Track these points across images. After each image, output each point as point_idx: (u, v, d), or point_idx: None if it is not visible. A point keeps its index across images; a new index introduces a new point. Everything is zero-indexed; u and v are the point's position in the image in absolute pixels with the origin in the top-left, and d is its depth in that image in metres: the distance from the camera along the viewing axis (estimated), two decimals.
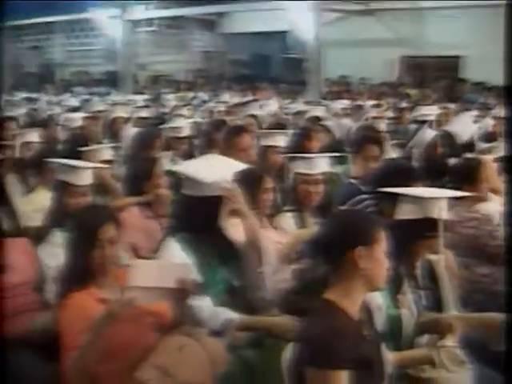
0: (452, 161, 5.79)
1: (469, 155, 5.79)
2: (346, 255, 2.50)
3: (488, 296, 4.29)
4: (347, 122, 9.27)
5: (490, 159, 5.11)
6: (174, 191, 4.36)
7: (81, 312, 2.92)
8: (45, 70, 28.92)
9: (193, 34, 26.40)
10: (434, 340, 3.10)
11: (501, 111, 9.32)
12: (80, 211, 3.31)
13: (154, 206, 4.62)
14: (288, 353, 2.69)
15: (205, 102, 14.02)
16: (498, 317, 3.07)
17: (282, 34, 22.18)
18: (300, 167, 4.41)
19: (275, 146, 5.62)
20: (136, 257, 4.11)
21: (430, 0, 18.31)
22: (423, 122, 8.11)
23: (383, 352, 2.64)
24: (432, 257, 3.29)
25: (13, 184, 5.53)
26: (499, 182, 4.93)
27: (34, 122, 9.09)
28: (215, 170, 3.42)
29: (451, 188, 3.90)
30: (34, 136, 6.36)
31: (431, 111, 9.22)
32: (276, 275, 3.63)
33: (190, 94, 17.54)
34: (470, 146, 6.79)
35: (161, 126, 7.34)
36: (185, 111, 10.55)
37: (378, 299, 2.95)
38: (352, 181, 5.21)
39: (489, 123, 8.63)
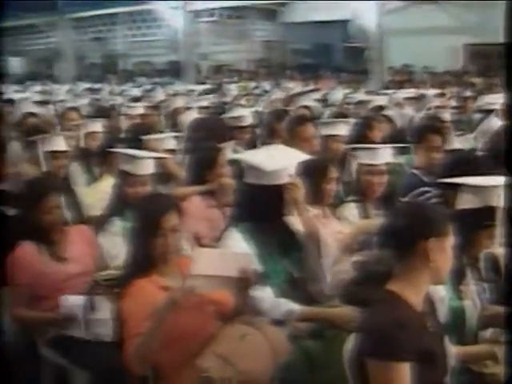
0: None
1: None
2: (416, 247, 2.47)
3: None
4: (410, 111, 9.14)
5: None
6: (236, 180, 4.37)
7: (143, 299, 2.95)
8: (108, 60, 29.35)
9: (254, 23, 26.43)
10: (497, 334, 3.04)
11: None
12: (143, 200, 3.34)
13: (216, 195, 4.64)
14: (349, 343, 2.68)
15: (266, 91, 14.01)
16: None
17: (343, 23, 22.04)
18: (364, 158, 4.37)
19: (337, 136, 5.58)
20: (198, 246, 4.15)
21: None
22: (488, 112, 7.93)
23: (446, 345, 2.61)
24: (495, 249, 3.24)
25: (77, 173, 5.64)
26: None
27: (97, 112, 9.25)
28: (278, 159, 3.42)
29: None
30: (98, 126, 6.44)
31: (496, 100, 9.01)
32: (337, 265, 3.62)
33: (252, 84, 17.55)
34: None
35: (223, 116, 7.37)
36: (246, 101, 10.55)
37: (441, 291, 2.91)
38: (414, 171, 5.15)
39: None
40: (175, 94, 12.14)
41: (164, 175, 5.10)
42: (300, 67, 23.40)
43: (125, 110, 9.08)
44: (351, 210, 4.30)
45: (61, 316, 3.62)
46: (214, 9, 24.25)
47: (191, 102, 9.79)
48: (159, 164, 4.63)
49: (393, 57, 19.55)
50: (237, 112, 7.43)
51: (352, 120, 6.60)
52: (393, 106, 9.32)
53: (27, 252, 3.72)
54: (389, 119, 7.44)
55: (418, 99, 10.68)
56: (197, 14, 23.19)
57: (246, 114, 7.12)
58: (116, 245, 3.95)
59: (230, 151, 5.13)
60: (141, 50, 28.00)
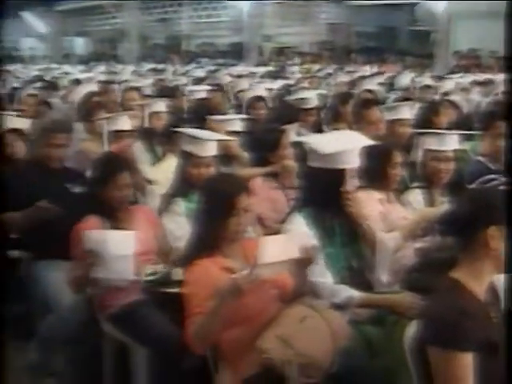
0: None
1: None
2: (478, 235, 2.43)
3: None
4: (476, 97, 8.97)
5: None
6: (299, 163, 4.37)
7: (205, 279, 2.98)
8: (172, 41, 29.56)
9: (319, 5, 26.22)
10: None
11: None
12: (216, 180, 3.35)
13: (279, 177, 4.65)
14: (410, 330, 2.66)
15: (330, 74, 13.92)
16: None
17: (410, 6, 21.71)
18: (431, 144, 4.30)
19: (402, 120, 5.52)
20: (261, 227, 4.17)
21: None
22: None
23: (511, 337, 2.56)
24: None
25: (140, 153, 5.69)
26: None
27: (161, 93, 9.33)
28: (342, 143, 3.40)
29: None
30: (162, 106, 6.48)
31: None
32: (399, 252, 3.59)
33: (315, 67, 17.46)
34: None
35: (287, 98, 7.36)
36: (310, 83, 10.51)
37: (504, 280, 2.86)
38: (480, 159, 5.05)
39: None
40: (238, 76, 12.16)
41: (226, 157, 5.12)
42: (364, 50, 23.19)
43: (188, 90, 9.13)
44: (416, 195, 4.25)
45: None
46: None
47: (254, 84, 9.79)
48: (222, 146, 4.65)
49: (459, 41, 19.19)
50: (301, 94, 7.41)
51: (417, 104, 6.52)
52: (459, 91, 9.17)
53: (92, 226, 3.79)
54: (455, 105, 7.32)
55: (485, 84, 10.47)
56: None
57: (310, 97, 7.09)
58: (179, 226, 3.98)
59: (294, 133, 5.10)
60: (205, 31, 28.12)
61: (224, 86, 9.79)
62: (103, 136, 5.41)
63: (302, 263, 2.90)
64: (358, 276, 3.42)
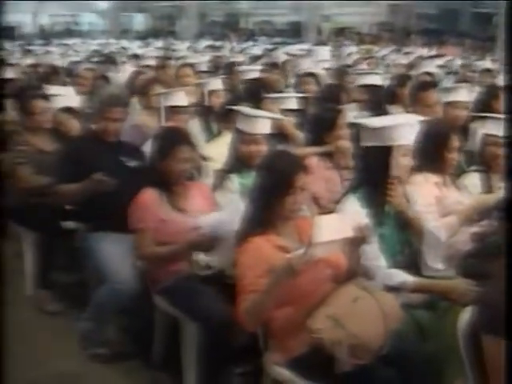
0: None
1: None
2: None
3: None
4: None
5: None
6: (355, 144, 4.34)
7: (259, 257, 2.98)
8: (229, 18, 29.55)
9: None
10: None
11: None
12: (275, 157, 3.33)
13: (334, 157, 4.63)
14: (464, 317, 2.63)
15: (388, 56, 13.75)
16: None
17: None
18: (490, 128, 4.23)
19: (460, 102, 5.42)
20: (316, 206, 4.16)
21: None
22: None
23: None
24: None
25: (196, 130, 5.72)
26: None
27: (218, 70, 9.34)
28: (394, 120, 3.38)
29: None
30: (219, 83, 6.49)
31: None
32: (455, 237, 3.55)
33: (374, 48, 17.27)
34: None
35: (345, 78, 7.31)
36: (368, 65, 10.41)
37: None
38: None
39: None
40: (296, 55, 12.09)
41: (281, 135, 5.11)
42: (424, 32, 22.82)
43: (246, 68, 9.12)
44: (473, 180, 4.18)
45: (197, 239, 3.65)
46: None
47: (312, 63, 9.73)
48: (276, 124, 4.64)
49: None
50: (359, 75, 7.35)
51: (476, 88, 6.40)
52: None
53: (150, 198, 3.83)
54: None
55: None
56: None
57: (369, 78, 7.04)
58: (232, 201, 3.99)
59: (350, 114, 5.06)
60: (263, 9, 28.03)
61: (281, 65, 9.75)
62: (159, 111, 5.44)
63: (356, 243, 2.89)
64: (411, 260, 3.41)
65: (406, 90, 6.16)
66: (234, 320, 3.07)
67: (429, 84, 5.91)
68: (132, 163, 4.48)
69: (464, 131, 4.85)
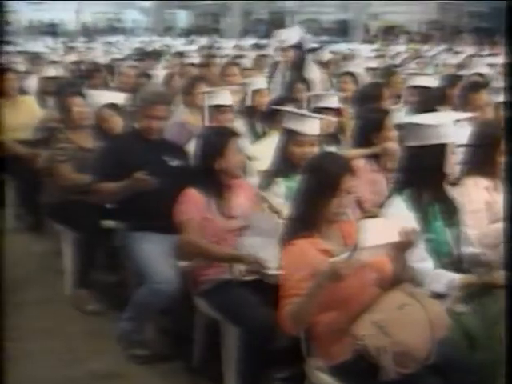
0: None
1: None
2: None
3: None
4: None
5: None
6: (402, 145, 4.31)
7: (303, 260, 2.97)
8: (274, 16, 29.57)
9: None
10: None
11: None
12: (321, 159, 3.32)
13: (381, 159, 4.60)
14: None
15: (438, 55, 13.62)
16: None
17: None
18: None
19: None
20: (361, 210, 4.13)
21: None
22: None
23: None
24: None
25: (241, 129, 5.71)
26: None
27: (263, 69, 9.35)
28: (440, 117, 3.36)
29: None
30: (264, 83, 6.48)
31: None
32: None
33: (423, 47, 17.12)
34: None
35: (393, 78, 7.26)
36: (416, 64, 10.33)
37: None
38: None
39: None
40: (342, 54, 12.07)
41: (327, 136, 5.09)
42: (475, 31, 22.57)
43: None
44: None
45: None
46: None
47: (359, 63, 9.70)
48: (323, 124, 4.62)
49: None
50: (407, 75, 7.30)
51: None
52: None
53: (196, 194, 3.84)
54: None
55: None
56: None
57: (419, 79, 6.99)
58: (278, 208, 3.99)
59: (398, 115, 5.03)
60: (309, 7, 27.98)
61: (325, 64, 9.73)
62: (203, 110, 5.45)
63: (402, 247, 2.86)
64: (458, 262, 3.39)
65: (457, 91, 6.10)
66: (276, 324, 3.06)
67: (480, 85, 5.85)
68: (175, 162, 4.49)
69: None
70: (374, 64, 9.78)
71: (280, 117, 4.69)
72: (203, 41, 18.53)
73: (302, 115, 4.20)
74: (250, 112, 6.06)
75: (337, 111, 5.58)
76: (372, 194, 4.41)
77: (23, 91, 7.71)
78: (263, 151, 4.74)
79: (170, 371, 4.12)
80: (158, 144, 4.54)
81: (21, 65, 9.98)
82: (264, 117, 5.56)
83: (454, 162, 3.37)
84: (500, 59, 11.14)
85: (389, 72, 8.27)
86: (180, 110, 6.21)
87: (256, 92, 6.18)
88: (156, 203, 4.09)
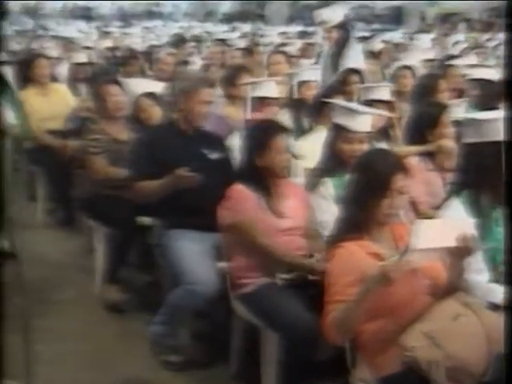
0: None
1: None
2: None
3: None
4: None
5: None
6: (460, 143, 4.27)
7: (350, 264, 2.97)
8: (322, 3, 29.36)
9: None
10: None
11: None
12: (371, 157, 3.31)
13: (437, 158, 4.58)
14: None
15: (500, 45, 13.43)
16: None
17: None
18: None
19: None
20: (415, 212, 4.11)
21: None
22: None
23: None
24: None
25: (286, 123, 5.68)
26: None
27: (310, 58, 9.32)
28: (499, 113, 3.32)
29: None
30: (311, 74, 6.43)
31: None
32: None
33: (484, 36, 16.88)
34: None
35: (450, 70, 7.19)
36: (476, 55, 10.20)
37: None
38: None
39: None
40: (395, 43, 11.98)
41: (379, 131, 5.07)
42: None
43: None
44: None
45: None
46: None
47: (414, 54, 9.61)
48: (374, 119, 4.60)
49: None
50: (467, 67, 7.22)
51: None
52: None
53: (245, 191, 3.85)
54: None
55: None
56: None
57: (480, 71, 6.91)
58: (325, 210, 3.99)
59: (456, 110, 4.98)
60: None
61: (376, 55, 9.67)
62: (245, 102, 5.46)
63: (459, 254, 2.84)
64: None
65: None
66: (320, 332, 3.07)
67: None
68: (214, 155, 4.51)
69: None
70: (430, 55, 9.67)
71: (328, 110, 4.68)
72: (246, 28, 18.53)
73: (352, 110, 4.16)
74: (296, 105, 6.04)
75: (389, 104, 5.54)
76: (427, 194, 4.39)
77: (55, 78, 7.79)
78: (309, 148, 4.73)
79: (206, 379, 4.14)
80: (196, 136, 4.55)
81: (53, 50, 10.09)
82: (311, 110, 5.54)
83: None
84: None
85: (446, 63, 8.20)
86: (219, 102, 6.21)
87: (303, 83, 6.16)
88: (196, 199, 4.10)
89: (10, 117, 4.31)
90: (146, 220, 4.81)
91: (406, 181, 3.11)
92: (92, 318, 4.88)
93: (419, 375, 2.75)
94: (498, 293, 3.16)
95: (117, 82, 5.64)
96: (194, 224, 4.22)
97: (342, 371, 3.21)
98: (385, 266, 2.76)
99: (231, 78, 6.19)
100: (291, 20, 24.54)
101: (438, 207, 3.51)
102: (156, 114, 5.70)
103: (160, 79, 6.84)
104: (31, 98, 6.69)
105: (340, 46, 8.00)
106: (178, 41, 11.88)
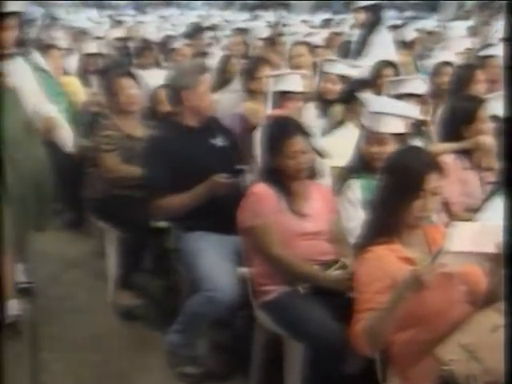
0: None
1: None
2: None
3: None
4: None
5: None
6: (500, 140, 4.24)
7: (380, 269, 2.97)
8: None
9: None
10: None
11: None
12: (403, 154, 3.31)
13: (473, 156, 4.56)
14: None
15: None
16: None
17: None
18: None
19: None
20: (449, 214, 4.09)
21: None
22: None
23: None
24: None
25: (312, 119, 5.67)
26: None
27: (337, 49, 9.30)
28: None
29: None
30: (338, 67, 6.39)
31: None
32: None
33: None
34: None
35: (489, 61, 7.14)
36: None
37: None
38: None
39: None
40: (429, 32, 11.90)
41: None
42: None
43: None
44: None
45: None
46: None
47: (449, 43, 9.56)
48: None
49: None
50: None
51: None
52: None
53: (266, 192, 3.86)
54: None
55: None
56: None
57: None
58: (352, 216, 3.98)
59: (496, 104, 4.95)
60: None
61: (409, 44, 9.63)
62: (267, 97, 5.45)
63: (499, 261, 2.82)
64: None
65: None
66: (348, 342, 3.07)
67: None
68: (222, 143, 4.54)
69: None
70: (467, 44, 9.60)
71: (357, 106, 4.66)
72: (269, 16, 18.49)
73: (380, 113, 4.11)
74: (323, 99, 6.03)
75: (422, 98, 5.52)
76: (462, 195, 4.38)
77: (65, 71, 7.82)
78: (336, 146, 4.72)
79: None
80: (205, 128, 4.58)
81: (62, 41, 10.12)
82: (338, 105, 5.51)
83: None
84: None
85: (484, 53, 8.14)
86: (239, 97, 6.20)
87: (328, 76, 6.14)
88: (216, 199, 4.12)
89: None
90: (161, 223, 4.82)
91: (440, 181, 3.10)
92: (104, 326, 4.90)
93: None
94: None
95: (130, 75, 5.65)
96: (213, 226, 4.23)
97: None
98: (417, 269, 2.75)
99: (251, 71, 6.17)
100: (317, 8, 24.43)
101: (475, 209, 3.49)
102: None
103: None
104: None
105: (367, 31, 7.99)
106: (196, 30, 11.86)
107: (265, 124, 4.43)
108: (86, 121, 6.24)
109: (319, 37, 10.49)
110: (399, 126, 4.15)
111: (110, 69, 6.11)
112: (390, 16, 19.66)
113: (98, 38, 10.52)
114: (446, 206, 4.19)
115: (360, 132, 4.29)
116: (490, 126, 4.57)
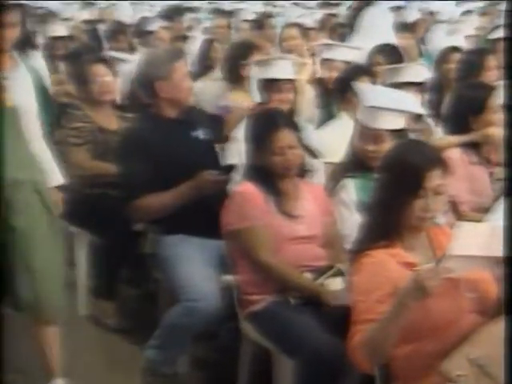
0: None
1: None
2: None
3: None
4: None
5: None
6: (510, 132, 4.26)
7: (380, 276, 2.96)
8: None
9: None
10: None
11: None
12: (403, 148, 3.30)
13: (482, 149, 4.57)
14: None
15: None
16: None
17: None
18: None
19: None
20: (456, 214, 4.10)
21: None
22: None
23: None
24: None
25: (305, 111, 5.66)
26: None
27: (331, 33, 9.31)
28: None
29: None
30: (334, 52, 6.35)
31: None
32: None
33: None
34: None
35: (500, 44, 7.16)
36: None
37: None
38: None
39: None
40: (433, 13, 11.93)
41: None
42: None
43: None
44: None
45: None
46: None
47: (453, 26, 9.59)
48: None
49: None
50: None
51: None
52: None
53: (253, 191, 3.88)
54: None
55: None
56: None
57: None
58: (347, 220, 3.99)
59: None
60: None
61: (411, 26, 9.66)
62: (254, 85, 5.44)
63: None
64: None
65: None
66: (344, 357, 3.06)
67: None
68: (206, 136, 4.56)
69: None
70: (476, 23, 9.60)
71: (352, 95, 4.67)
72: None
73: (377, 108, 4.06)
74: (321, 88, 6.02)
75: (422, 87, 5.52)
76: (470, 193, 4.40)
77: None
78: (329, 140, 4.74)
79: None
80: (186, 118, 4.58)
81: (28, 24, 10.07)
82: (335, 94, 5.51)
83: None
84: None
85: (496, 36, 8.16)
86: (222, 86, 6.20)
87: (324, 62, 6.14)
88: (199, 199, 4.13)
89: None
90: (137, 226, 4.79)
91: (444, 178, 3.10)
92: (74, 342, 4.85)
93: None
94: None
95: (104, 61, 5.62)
96: (195, 229, 4.24)
97: None
98: (419, 273, 2.75)
99: (237, 57, 6.16)
100: None
101: (485, 209, 3.50)
102: None
103: None
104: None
105: (360, 11, 7.99)
106: (175, 12, 11.85)
107: (249, 116, 4.42)
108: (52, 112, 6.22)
109: (312, 18, 10.51)
110: (397, 122, 4.12)
111: (81, 54, 6.08)
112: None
113: (67, 19, 10.48)
114: (454, 206, 4.20)
115: (354, 127, 4.27)
116: (501, 116, 4.56)
